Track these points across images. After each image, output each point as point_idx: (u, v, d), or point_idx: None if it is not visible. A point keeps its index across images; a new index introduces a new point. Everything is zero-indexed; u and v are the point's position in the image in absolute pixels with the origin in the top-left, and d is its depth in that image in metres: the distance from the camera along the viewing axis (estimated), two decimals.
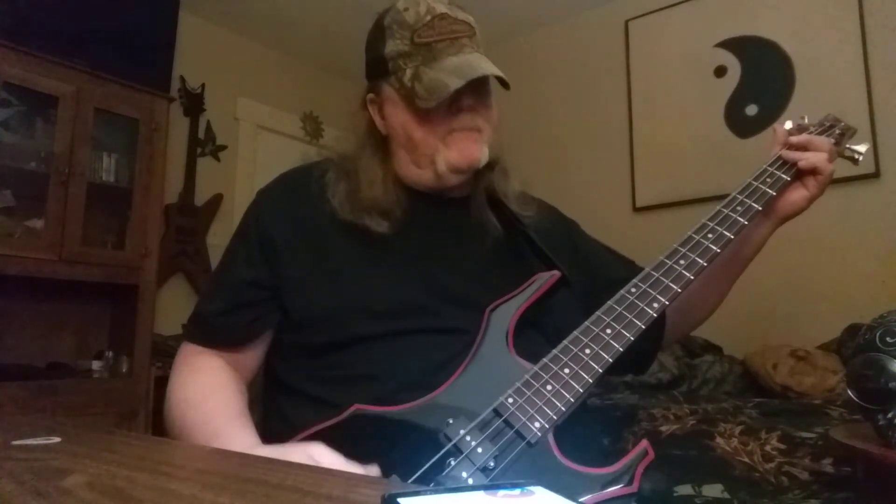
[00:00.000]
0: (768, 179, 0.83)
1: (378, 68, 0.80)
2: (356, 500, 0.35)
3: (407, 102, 0.77)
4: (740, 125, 2.39)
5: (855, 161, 0.92)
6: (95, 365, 2.30)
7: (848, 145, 0.92)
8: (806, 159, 0.83)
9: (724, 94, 2.44)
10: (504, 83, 0.76)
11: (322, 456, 0.57)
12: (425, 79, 0.74)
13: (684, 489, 1.29)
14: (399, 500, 0.31)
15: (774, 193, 0.82)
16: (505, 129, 0.85)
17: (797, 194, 0.85)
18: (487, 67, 0.74)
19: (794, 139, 0.87)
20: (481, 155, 0.78)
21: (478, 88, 0.76)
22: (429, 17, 0.76)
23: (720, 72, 2.47)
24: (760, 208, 0.79)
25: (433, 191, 0.82)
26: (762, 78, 2.36)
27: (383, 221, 0.77)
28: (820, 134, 0.89)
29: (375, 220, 0.77)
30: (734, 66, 2.44)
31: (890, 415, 0.84)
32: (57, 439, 0.53)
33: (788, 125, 0.94)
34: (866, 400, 0.88)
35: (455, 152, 0.77)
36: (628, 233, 1.50)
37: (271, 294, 0.78)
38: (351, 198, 0.79)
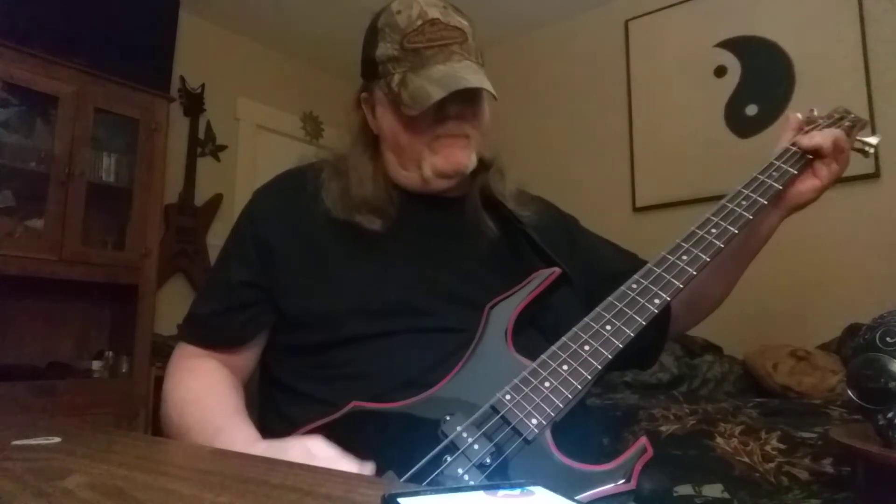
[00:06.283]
0: (774, 173, 0.81)
1: (370, 70, 0.80)
2: (356, 500, 0.35)
3: (394, 107, 0.77)
4: (740, 125, 2.39)
5: (865, 153, 0.91)
6: (95, 365, 2.30)
7: (858, 137, 0.91)
8: (827, 142, 0.81)
9: (724, 94, 2.44)
10: (491, 95, 0.75)
11: (319, 450, 0.57)
12: (411, 86, 0.73)
13: (684, 489, 1.29)
14: (399, 500, 0.32)
15: (781, 187, 0.80)
16: (505, 130, 0.84)
17: (807, 184, 0.83)
18: (472, 79, 0.73)
19: (810, 129, 0.86)
20: (468, 161, 0.78)
21: (465, 96, 0.75)
22: (420, 23, 0.75)
23: (720, 72, 2.47)
24: (766, 202, 0.78)
25: (423, 192, 0.82)
26: (762, 78, 2.36)
27: (375, 219, 0.77)
28: (829, 126, 0.88)
29: (367, 218, 0.77)
30: (734, 66, 2.44)
31: (890, 415, 0.84)
32: (57, 439, 0.53)
33: (799, 117, 0.93)
34: (866, 400, 0.88)
35: (441, 158, 0.77)
36: (628, 233, 1.50)
37: (266, 295, 0.78)
38: (343, 196, 0.79)
